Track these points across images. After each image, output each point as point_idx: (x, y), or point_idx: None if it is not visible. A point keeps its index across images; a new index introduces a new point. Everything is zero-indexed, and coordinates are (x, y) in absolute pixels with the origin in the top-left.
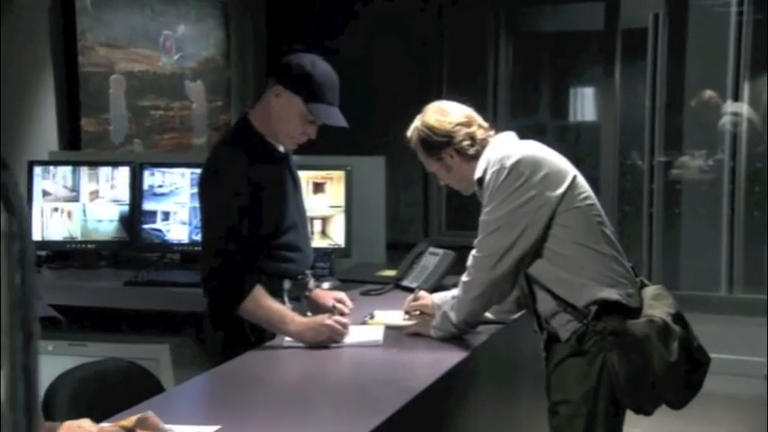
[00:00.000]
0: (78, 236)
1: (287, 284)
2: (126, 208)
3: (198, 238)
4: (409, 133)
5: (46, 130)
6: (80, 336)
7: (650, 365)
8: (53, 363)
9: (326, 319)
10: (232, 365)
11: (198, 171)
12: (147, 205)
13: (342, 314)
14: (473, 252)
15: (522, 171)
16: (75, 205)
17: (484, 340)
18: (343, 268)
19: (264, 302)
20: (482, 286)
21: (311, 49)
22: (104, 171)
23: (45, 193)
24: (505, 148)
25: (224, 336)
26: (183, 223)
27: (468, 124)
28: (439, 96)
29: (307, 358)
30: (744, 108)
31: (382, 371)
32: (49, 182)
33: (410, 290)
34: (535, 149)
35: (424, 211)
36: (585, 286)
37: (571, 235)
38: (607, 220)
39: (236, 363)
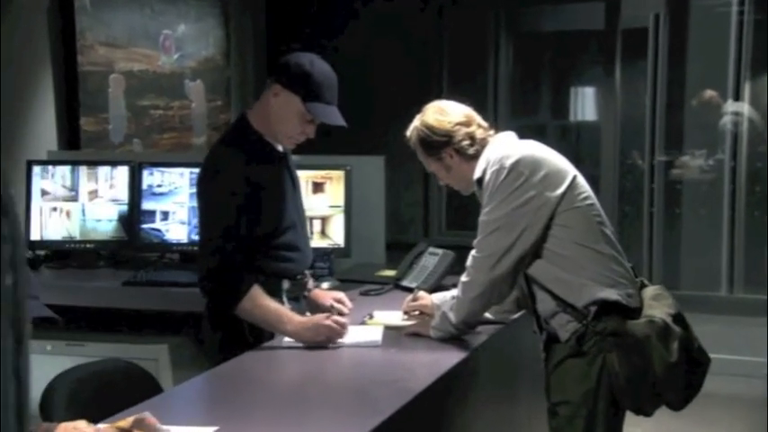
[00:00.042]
0: (77, 235)
1: (286, 284)
2: (125, 208)
3: (197, 238)
4: (409, 133)
5: (45, 129)
6: (78, 336)
7: (650, 366)
8: (51, 363)
9: (325, 319)
10: (231, 366)
11: (197, 171)
12: (146, 205)
13: (340, 314)
14: (472, 252)
15: (521, 171)
16: (73, 205)
17: (483, 340)
18: (343, 268)
19: (262, 302)
20: (481, 287)
21: (311, 48)
22: (103, 171)
23: (44, 193)
24: (505, 147)
25: (223, 336)
26: (182, 223)
27: (467, 124)
28: (439, 96)
29: (306, 359)
30: (744, 108)
31: (381, 371)
32: (48, 181)
33: (409, 290)
34: (535, 149)
35: (423, 211)
36: (585, 286)
37: (571, 235)
38: (607, 220)
39: (234, 363)
